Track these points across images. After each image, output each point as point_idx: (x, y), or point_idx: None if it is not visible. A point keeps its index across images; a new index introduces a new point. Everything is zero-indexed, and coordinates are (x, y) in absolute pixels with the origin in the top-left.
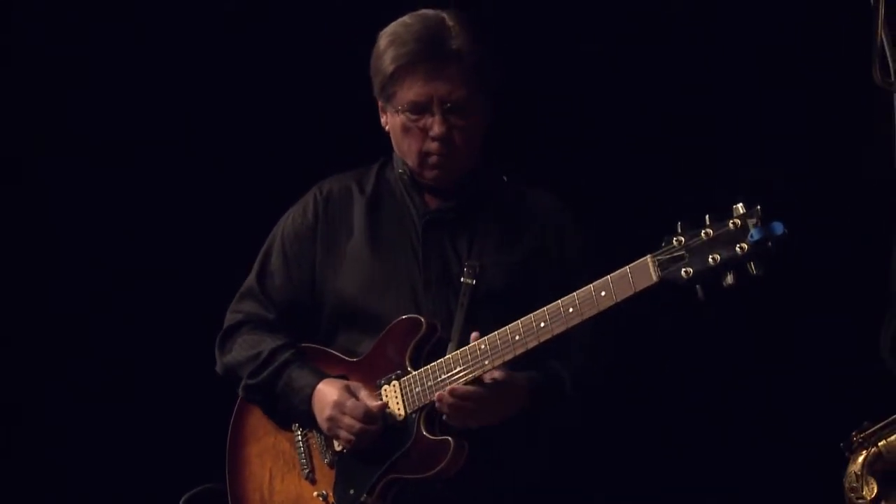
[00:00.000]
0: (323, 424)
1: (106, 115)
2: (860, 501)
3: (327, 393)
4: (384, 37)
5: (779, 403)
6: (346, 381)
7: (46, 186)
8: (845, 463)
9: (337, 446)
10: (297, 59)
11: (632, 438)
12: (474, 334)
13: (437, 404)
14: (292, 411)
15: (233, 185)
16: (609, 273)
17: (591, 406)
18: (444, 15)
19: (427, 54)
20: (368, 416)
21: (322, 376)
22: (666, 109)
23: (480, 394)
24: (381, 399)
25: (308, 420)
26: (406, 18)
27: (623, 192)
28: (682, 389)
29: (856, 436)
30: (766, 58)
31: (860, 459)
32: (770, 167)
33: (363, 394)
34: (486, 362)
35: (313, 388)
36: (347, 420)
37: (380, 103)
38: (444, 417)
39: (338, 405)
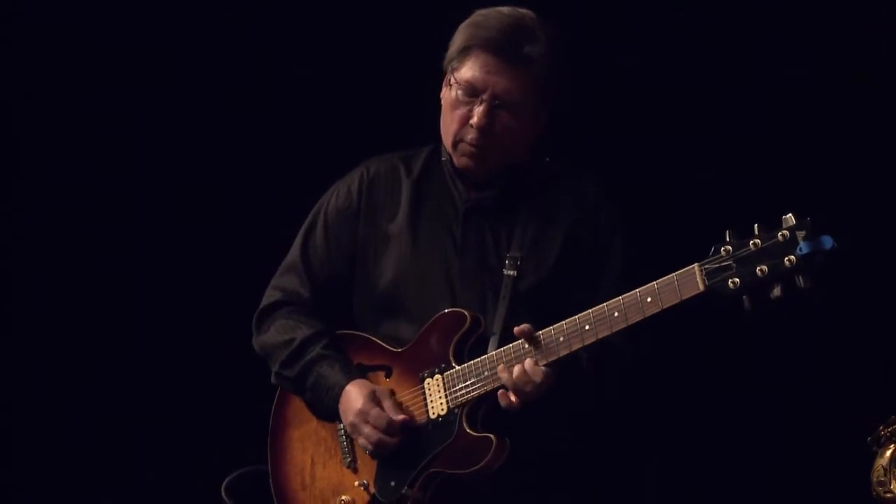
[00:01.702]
0: (347, 427)
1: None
2: (888, 496)
3: (353, 398)
4: (476, 14)
5: (806, 398)
6: (373, 388)
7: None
8: (873, 457)
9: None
10: (286, 53)
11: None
12: (524, 327)
13: (506, 376)
14: (321, 407)
15: (257, 178)
16: (654, 278)
17: (624, 389)
18: (534, 19)
19: (501, 47)
20: (389, 429)
21: (352, 375)
22: (725, 116)
23: (538, 378)
24: (423, 394)
25: (337, 417)
26: (502, 7)
27: (673, 193)
28: (704, 383)
29: (883, 430)
30: (819, 64)
31: (888, 453)
32: (823, 178)
33: (388, 404)
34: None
35: (342, 388)
36: (368, 429)
37: (445, 73)
38: (509, 395)
39: (361, 413)
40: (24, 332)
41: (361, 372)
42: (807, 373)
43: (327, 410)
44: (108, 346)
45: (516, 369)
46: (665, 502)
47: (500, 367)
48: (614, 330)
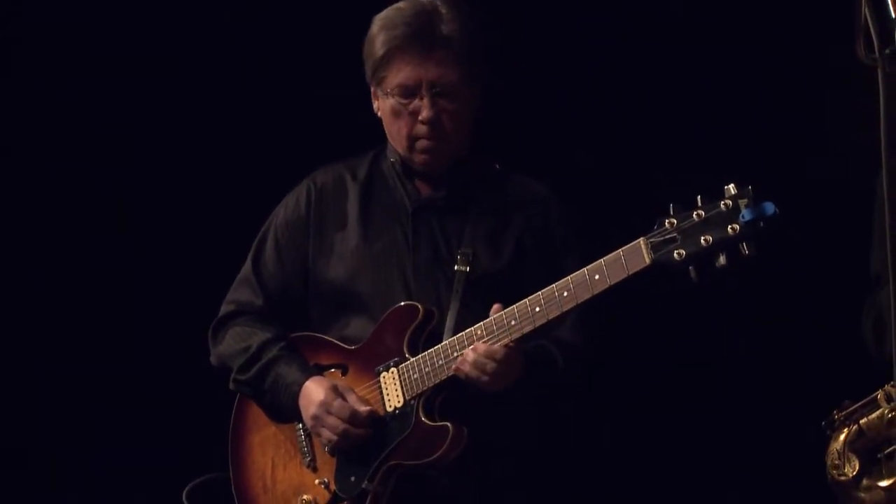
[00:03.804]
0: (307, 422)
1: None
2: (842, 478)
3: (314, 392)
4: (377, 21)
5: (761, 384)
6: (334, 382)
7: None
8: (827, 441)
9: (321, 445)
10: (286, 52)
11: (629, 423)
12: (497, 306)
13: (456, 364)
14: (281, 407)
15: (226, 179)
16: (601, 257)
17: (583, 386)
18: (438, 1)
19: (417, 38)
20: (354, 418)
21: (310, 373)
22: (656, 91)
23: (500, 354)
24: (379, 388)
25: (296, 416)
26: (400, 3)
27: (613, 176)
28: (671, 367)
29: (837, 414)
30: (753, 37)
31: (841, 437)
32: (759, 147)
33: (352, 397)
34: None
35: (301, 385)
36: (332, 420)
37: (372, 88)
38: (463, 376)
39: (324, 404)
40: None
41: (319, 371)
42: (762, 359)
43: (286, 410)
44: (62, 352)
45: (480, 347)
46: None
47: (466, 352)
48: (564, 309)
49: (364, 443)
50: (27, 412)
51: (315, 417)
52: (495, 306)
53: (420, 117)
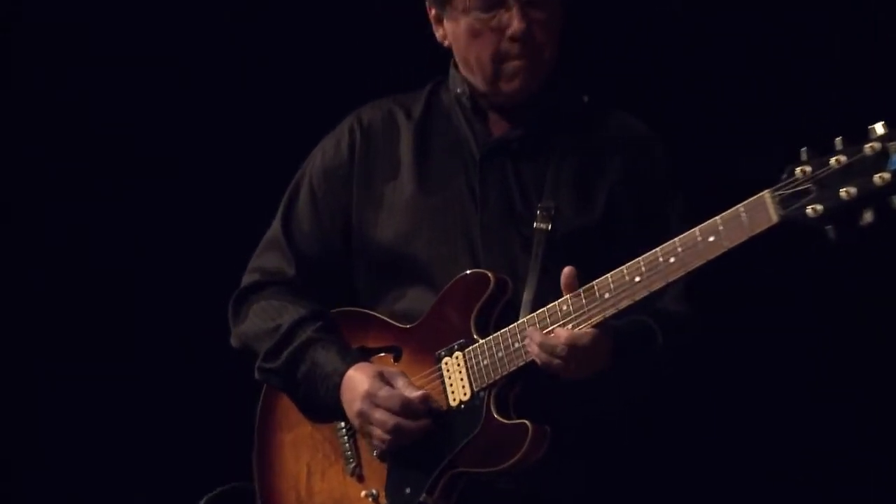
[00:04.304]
0: (354, 420)
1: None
2: None
3: (358, 382)
4: None
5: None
6: (380, 368)
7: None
8: None
9: (372, 450)
10: (286, 47)
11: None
12: (569, 271)
13: (528, 349)
14: (318, 402)
15: (228, 179)
16: (715, 215)
17: (687, 370)
18: None
19: None
20: (406, 408)
21: (354, 359)
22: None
23: (587, 339)
24: (441, 378)
25: (337, 414)
26: None
27: (726, 116)
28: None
29: None
30: None
31: None
32: None
33: (401, 382)
34: (570, 328)
35: (342, 375)
36: (380, 414)
37: (433, 12)
38: (541, 363)
39: (369, 396)
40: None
41: (365, 356)
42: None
43: (325, 406)
44: (69, 353)
45: (562, 333)
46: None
47: (531, 330)
48: (670, 280)
49: (422, 444)
50: (27, 411)
51: (361, 414)
52: (567, 271)
53: (508, 32)
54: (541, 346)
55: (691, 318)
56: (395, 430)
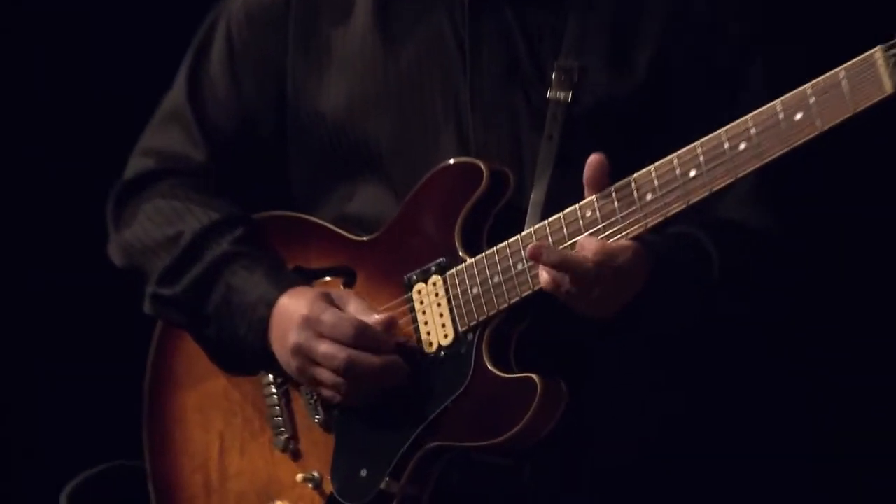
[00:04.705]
0: (288, 363)
1: None
2: None
3: (294, 309)
4: None
5: None
6: (326, 290)
7: None
8: None
9: (314, 412)
10: None
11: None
12: (596, 160)
13: (546, 273)
14: (236, 345)
15: None
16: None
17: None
18: None
19: None
20: (364, 337)
21: (287, 283)
22: None
23: (624, 256)
24: (412, 313)
25: (264, 361)
26: None
27: None
28: None
29: None
30: None
31: None
32: None
33: (354, 305)
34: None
35: (271, 304)
36: (325, 347)
37: None
38: (554, 291)
39: (308, 323)
40: None
41: (303, 280)
42: None
43: (246, 350)
44: None
45: (590, 243)
46: None
47: (541, 243)
48: (739, 175)
49: (384, 406)
50: (27, 412)
51: (298, 350)
52: (594, 160)
53: None
54: (557, 264)
55: (767, 232)
56: (349, 370)
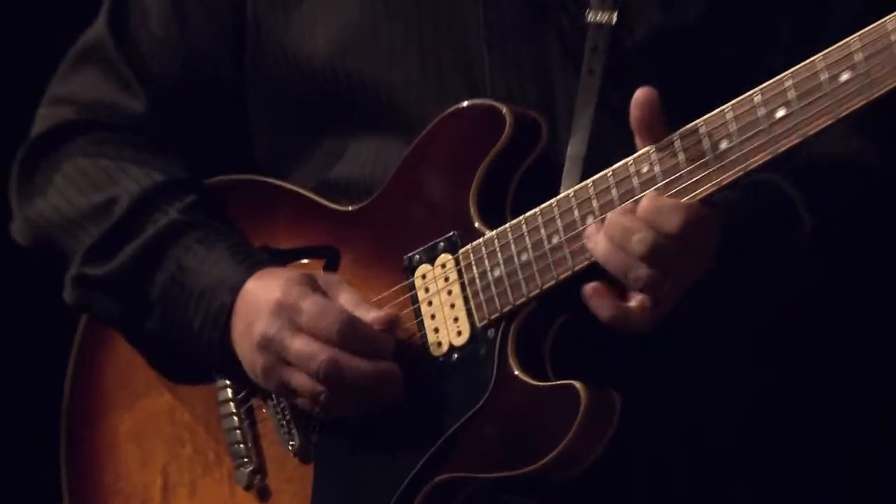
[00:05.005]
0: (254, 365)
1: None
2: None
3: (263, 293)
4: None
5: None
6: (305, 272)
7: None
8: None
9: (286, 434)
10: None
11: None
12: (644, 95)
13: (586, 241)
14: (187, 343)
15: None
16: None
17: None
18: None
19: None
20: (354, 334)
21: (255, 263)
22: None
23: (695, 216)
24: (414, 298)
25: (224, 364)
26: None
27: None
28: None
29: None
30: None
31: None
32: None
33: (346, 295)
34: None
35: (236, 288)
36: (301, 343)
37: None
38: (604, 263)
39: (282, 308)
40: None
41: (277, 262)
42: None
43: (200, 349)
44: None
45: (648, 204)
46: None
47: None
48: (844, 113)
49: (378, 425)
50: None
51: (266, 343)
52: (642, 96)
53: None
54: (615, 230)
55: (874, 171)
56: (331, 375)
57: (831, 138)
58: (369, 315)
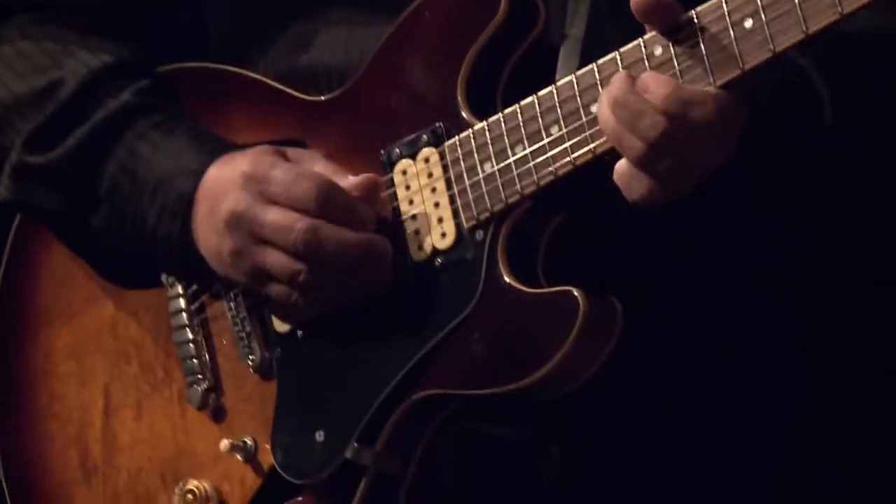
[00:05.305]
0: (220, 250)
1: None
2: None
3: (229, 173)
4: None
5: None
6: (277, 147)
7: None
8: None
9: (245, 348)
10: None
11: None
12: None
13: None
14: (141, 239)
15: None
16: None
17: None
18: None
19: None
20: (333, 201)
21: (216, 147)
22: None
23: (710, 104)
24: (392, 194)
25: (182, 261)
26: None
27: None
28: None
29: None
30: None
31: None
32: None
33: (321, 165)
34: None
35: (198, 174)
36: (277, 213)
37: None
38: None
39: (253, 181)
40: None
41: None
42: None
43: (156, 244)
44: None
45: (648, 80)
46: None
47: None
48: (854, 6)
49: (355, 325)
50: None
51: (236, 220)
52: None
53: None
54: (620, 104)
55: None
56: (312, 245)
57: (867, 14)
58: (347, 181)
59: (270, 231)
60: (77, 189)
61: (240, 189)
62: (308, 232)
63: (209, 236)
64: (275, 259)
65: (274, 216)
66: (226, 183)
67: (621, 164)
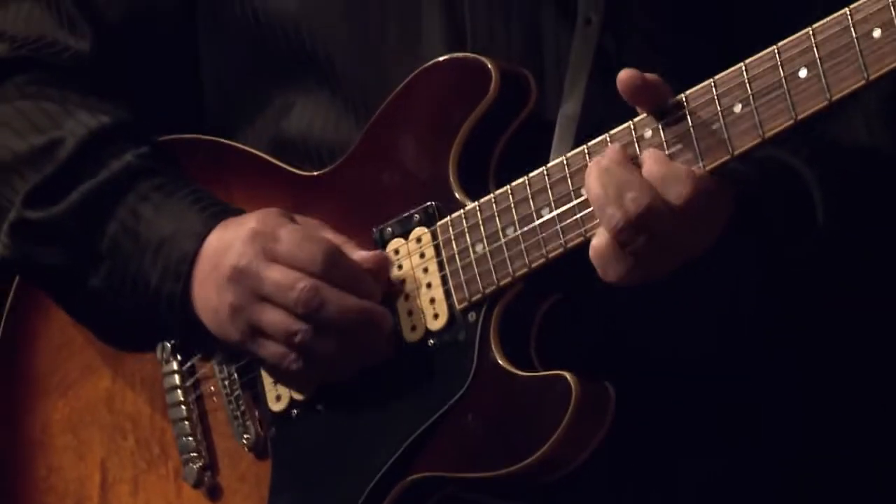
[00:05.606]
0: (220, 306)
1: None
2: None
3: (233, 234)
4: None
5: None
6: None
7: None
8: None
9: (240, 427)
10: None
11: None
12: (629, 75)
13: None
14: (142, 299)
15: None
16: None
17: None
18: None
19: None
20: (338, 267)
21: (219, 211)
22: None
23: (702, 185)
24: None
25: (180, 323)
26: None
27: None
28: None
29: None
30: None
31: None
32: None
33: (330, 232)
34: None
35: (202, 236)
36: (280, 272)
37: None
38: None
39: (258, 238)
40: None
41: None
42: None
43: (156, 306)
44: None
45: (654, 160)
46: None
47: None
48: (873, 75)
49: (350, 415)
50: None
51: (238, 276)
52: (624, 77)
53: None
54: (608, 173)
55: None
56: (313, 304)
57: (856, 126)
58: (356, 253)
59: (272, 288)
60: (78, 244)
61: (244, 244)
62: (310, 291)
63: (209, 295)
64: (273, 317)
65: (277, 273)
66: (232, 239)
67: (598, 242)
